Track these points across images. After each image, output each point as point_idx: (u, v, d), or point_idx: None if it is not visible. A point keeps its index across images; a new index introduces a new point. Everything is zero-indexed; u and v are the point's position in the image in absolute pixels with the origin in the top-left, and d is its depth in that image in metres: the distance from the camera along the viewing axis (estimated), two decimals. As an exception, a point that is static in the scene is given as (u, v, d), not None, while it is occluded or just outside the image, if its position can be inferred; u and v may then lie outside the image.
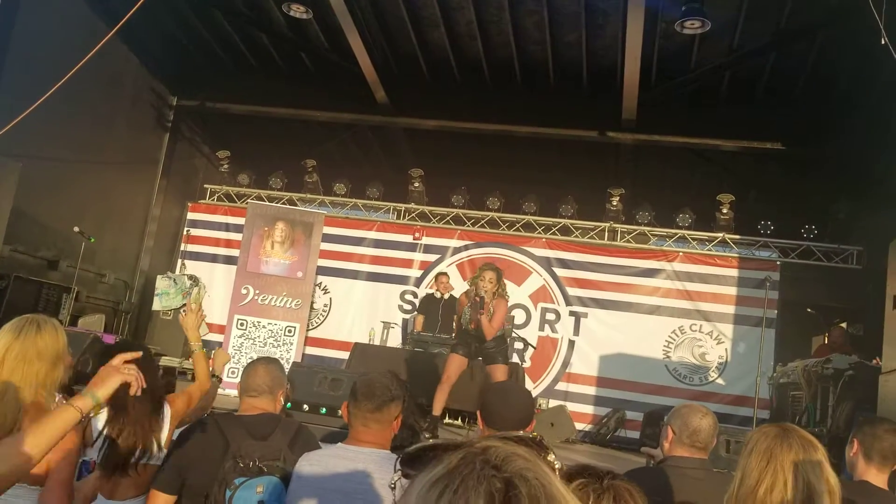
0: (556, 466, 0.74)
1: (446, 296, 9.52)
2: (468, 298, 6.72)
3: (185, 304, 10.60)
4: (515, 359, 10.22)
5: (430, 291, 10.12)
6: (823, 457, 1.89)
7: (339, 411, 5.78)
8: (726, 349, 10.05)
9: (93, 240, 9.20)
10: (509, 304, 10.56)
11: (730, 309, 10.13)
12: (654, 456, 3.54)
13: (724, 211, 10.35)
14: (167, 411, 3.09)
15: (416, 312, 10.09)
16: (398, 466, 0.81)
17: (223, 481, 2.60)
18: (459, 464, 0.70)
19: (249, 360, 3.08)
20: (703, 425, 2.79)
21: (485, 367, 7.38)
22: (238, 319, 8.82)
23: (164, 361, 9.20)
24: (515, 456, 0.72)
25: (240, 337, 8.73)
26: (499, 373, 6.74)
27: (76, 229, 8.93)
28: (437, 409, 6.75)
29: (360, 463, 2.45)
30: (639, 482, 3.06)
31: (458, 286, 9.92)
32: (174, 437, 2.92)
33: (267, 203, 10.82)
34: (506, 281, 10.67)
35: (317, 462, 2.48)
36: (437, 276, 10.08)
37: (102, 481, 2.86)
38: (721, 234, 10.53)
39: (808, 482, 1.82)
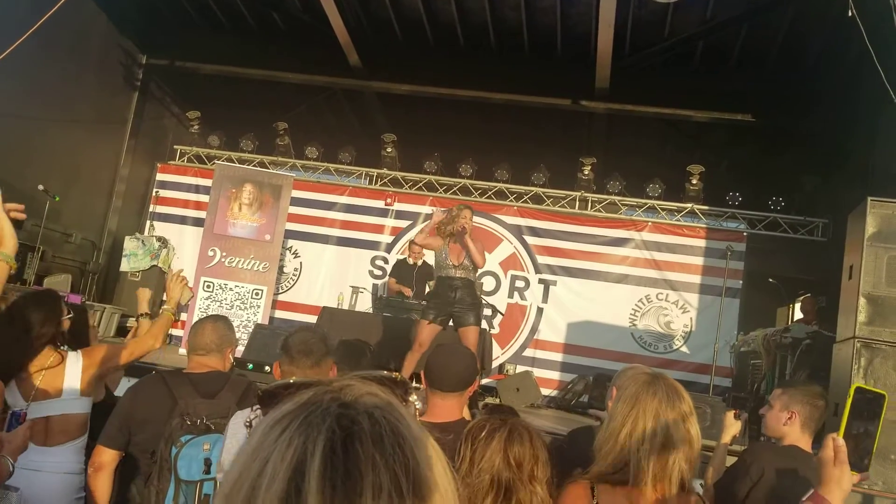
0: (417, 407, 0.74)
1: (419, 262, 9.53)
2: (443, 235, 6.53)
3: (153, 266, 10.57)
4: (484, 325, 10.32)
5: (403, 257, 10.13)
6: (688, 408, 1.93)
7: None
8: (691, 318, 10.18)
9: (57, 198, 9.09)
10: (481, 270, 10.71)
11: (696, 279, 10.25)
12: (600, 417, 3.61)
13: (694, 182, 10.42)
14: (73, 359, 3.09)
15: (388, 276, 10.11)
16: (254, 407, 0.81)
17: (169, 439, 2.62)
18: (308, 401, 0.69)
19: (198, 319, 3.08)
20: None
21: (485, 336, 7.35)
22: (205, 282, 8.78)
23: (131, 323, 9.15)
24: (368, 395, 0.71)
25: (206, 299, 8.69)
26: (470, 335, 6.57)
27: (40, 187, 8.81)
28: (405, 375, 6.76)
29: None
30: (581, 440, 3.12)
31: (430, 252, 9.96)
32: (124, 393, 2.92)
33: (234, 165, 10.71)
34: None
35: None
36: (410, 243, 10.07)
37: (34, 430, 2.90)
38: (690, 205, 10.60)
39: (667, 430, 1.87)
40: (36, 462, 2.78)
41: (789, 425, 3.40)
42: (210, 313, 8.62)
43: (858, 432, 1.77)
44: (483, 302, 9.69)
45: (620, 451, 1.85)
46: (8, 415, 2.72)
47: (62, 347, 3.17)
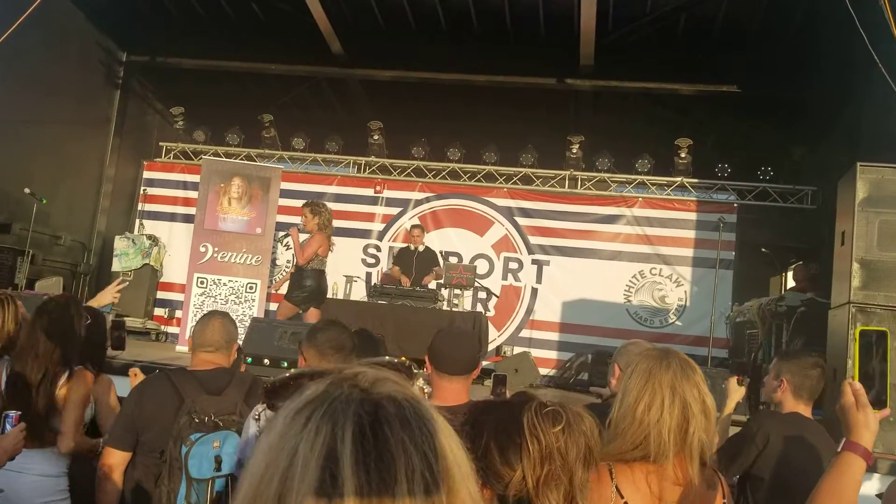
0: (426, 391, 0.74)
1: (420, 248, 9.55)
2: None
3: (145, 264, 10.51)
4: (479, 308, 10.35)
5: (405, 245, 10.13)
6: (701, 379, 1.95)
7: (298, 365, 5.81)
8: (685, 291, 10.23)
9: (44, 201, 9.00)
10: (473, 254, 10.74)
11: (688, 252, 10.29)
12: (601, 394, 3.64)
13: (683, 155, 10.43)
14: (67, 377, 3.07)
15: (391, 265, 10.13)
16: (263, 397, 0.81)
17: (178, 437, 2.61)
18: (328, 388, 0.69)
19: (202, 315, 3.06)
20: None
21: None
22: (198, 278, 8.73)
23: (127, 322, 9.11)
24: (385, 379, 0.71)
25: (200, 295, 8.65)
26: (283, 305, 7.42)
27: (26, 191, 8.72)
28: None
29: None
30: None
31: (430, 239, 9.99)
32: (129, 393, 2.90)
33: (222, 159, 10.64)
34: (468, 231, 10.90)
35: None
36: (410, 229, 10.06)
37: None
38: (679, 179, 10.63)
39: (685, 401, 1.88)
40: (17, 464, 2.76)
41: (780, 393, 3.47)
42: (205, 309, 8.60)
43: (871, 372, 1.80)
44: (478, 285, 9.77)
45: (639, 425, 1.85)
46: (1, 417, 2.71)
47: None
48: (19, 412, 2.86)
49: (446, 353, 2.59)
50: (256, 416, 0.71)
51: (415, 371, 0.82)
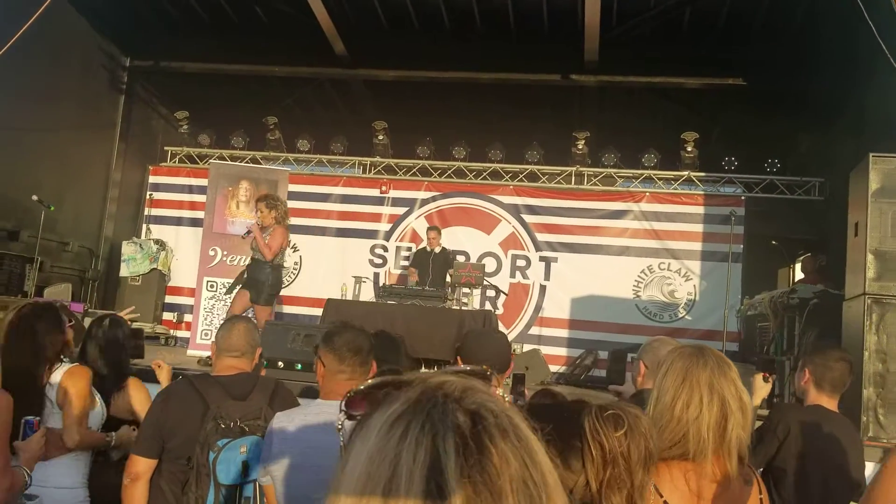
0: (507, 399, 0.74)
1: (437, 250, 9.54)
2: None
3: (153, 269, 10.52)
4: (488, 306, 10.34)
5: (423, 246, 10.12)
6: (736, 376, 1.94)
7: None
8: (694, 286, 10.21)
9: (52, 208, 9.01)
10: (481, 252, 10.73)
11: (697, 246, 10.27)
12: (620, 392, 3.63)
13: (689, 149, 10.41)
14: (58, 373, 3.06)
15: (409, 265, 10.12)
16: (343, 408, 0.80)
17: (205, 444, 2.59)
18: (419, 399, 0.69)
19: (224, 320, 3.05)
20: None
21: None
22: (208, 281, 8.74)
23: (137, 325, 9.11)
24: (474, 388, 0.71)
25: (210, 299, 8.66)
26: (239, 297, 7.36)
27: (34, 198, 8.72)
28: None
29: None
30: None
31: (446, 240, 9.98)
32: (153, 401, 2.89)
33: (229, 163, 10.64)
34: (475, 230, 10.88)
35: (298, 421, 2.46)
36: (426, 231, 10.04)
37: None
38: (686, 173, 10.61)
39: (723, 398, 1.87)
40: (36, 478, 2.75)
41: (805, 385, 3.47)
42: (215, 313, 8.62)
43: None
44: (487, 283, 9.75)
45: (677, 424, 1.84)
46: (22, 423, 2.71)
47: (64, 359, 3.15)
48: (38, 417, 2.86)
49: (480, 353, 2.59)
50: (339, 427, 0.70)
51: (494, 378, 0.81)
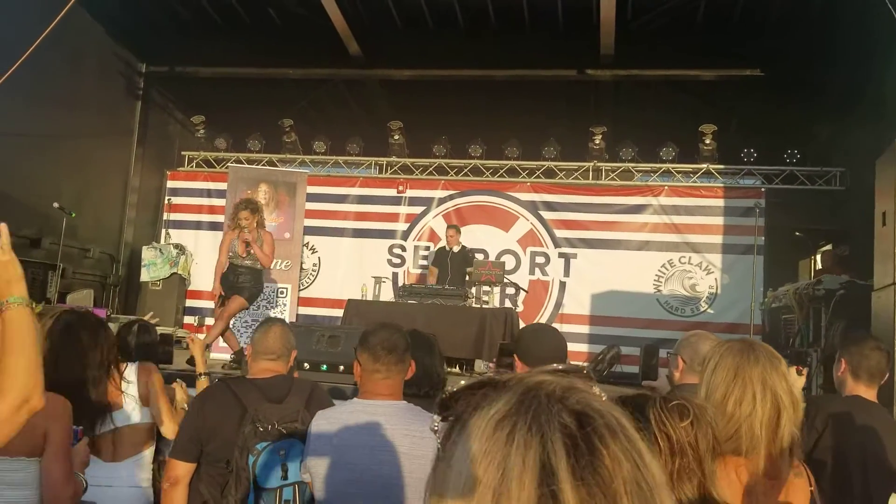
0: (604, 397, 0.72)
1: (455, 248, 9.52)
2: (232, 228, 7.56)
3: (173, 273, 10.56)
4: (508, 304, 10.31)
5: (441, 245, 10.11)
6: (786, 370, 1.92)
7: (342, 367, 5.79)
8: (716, 279, 10.14)
9: (73, 215, 9.06)
10: (499, 250, 10.71)
11: (717, 239, 10.20)
12: (655, 388, 3.60)
13: (707, 142, 10.34)
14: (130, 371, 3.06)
15: (430, 265, 10.14)
16: (437, 408, 0.78)
17: (244, 447, 2.59)
18: (522, 399, 0.67)
19: (260, 322, 3.05)
20: (710, 351, 2.82)
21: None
22: (229, 285, 8.76)
23: (160, 330, 9.15)
24: (575, 388, 0.69)
25: (232, 302, 8.68)
26: (233, 301, 7.41)
27: (56, 205, 8.77)
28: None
29: (381, 416, 2.45)
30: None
31: (466, 238, 9.97)
32: (191, 404, 2.90)
33: (248, 166, 10.67)
34: (493, 227, 10.86)
35: (336, 420, 2.47)
36: (446, 230, 10.02)
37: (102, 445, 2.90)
38: (705, 165, 10.54)
39: (775, 393, 1.84)
40: (107, 478, 2.78)
41: (842, 375, 3.44)
42: (237, 316, 8.63)
43: None
44: (507, 281, 9.71)
45: (729, 420, 1.82)
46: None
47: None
48: (81, 427, 2.87)
49: (539, 350, 2.59)
50: (434, 428, 0.69)
51: (591, 376, 0.79)
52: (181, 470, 2.71)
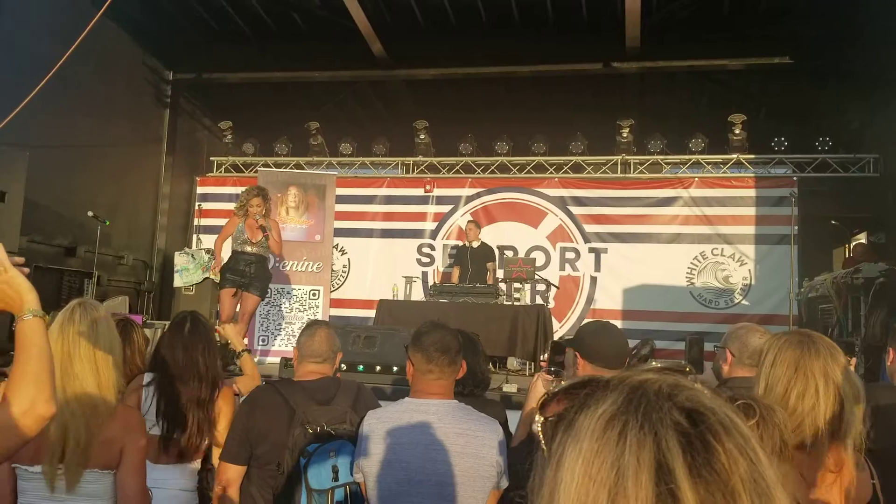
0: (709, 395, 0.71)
1: (475, 244, 9.50)
2: (238, 215, 7.32)
3: (206, 278, 10.65)
4: (539, 300, 10.26)
5: (460, 242, 10.11)
6: (845, 361, 1.89)
7: (378, 368, 5.81)
8: (749, 270, 10.03)
9: (108, 223, 9.18)
10: (529, 246, 10.67)
11: (750, 230, 10.09)
12: (705, 382, 3.55)
13: (737, 132, 10.23)
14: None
15: (450, 265, 10.13)
16: (539, 409, 0.78)
17: (295, 449, 2.60)
18: (630, 397, 0.67)
19: (305, 325, 3.06)
20: (762, 344, 2.78)
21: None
22: (262, 288, 8.83)
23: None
24: (682, 385, 0.69)
25: (265, 305, 8.74)
26: (249, 301, 7.24)
27: (90, 214, 8.89)
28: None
29: (433, 415, 2.45)
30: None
31: (486, 234, 9.95)
32: (239, 407, 2.92)
33: (277, 170, 10.74)
34: (522, 224, 10.82)
35: (387, 419, 2.48)
36: (466, 223, 9.99)
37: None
38: (735, 156, 10.42)
39: (838, 386, 1.81)
40: (153, 479, 2.81)
41: (889, 363, 3.38)
42: (270, 319, 8.70)
43: None
44: (537, 277, 9.67)
45: (791, 414, 1.79)
46: None
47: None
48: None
49: (606, 346, 2.58)
50: (538, 428, 0.69)
51: (691, 373, 0.78)
52: (232, 473, 2.73)
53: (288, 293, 8.84)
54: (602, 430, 0.65)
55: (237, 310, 7.28)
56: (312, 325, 3.01)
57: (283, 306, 8.79)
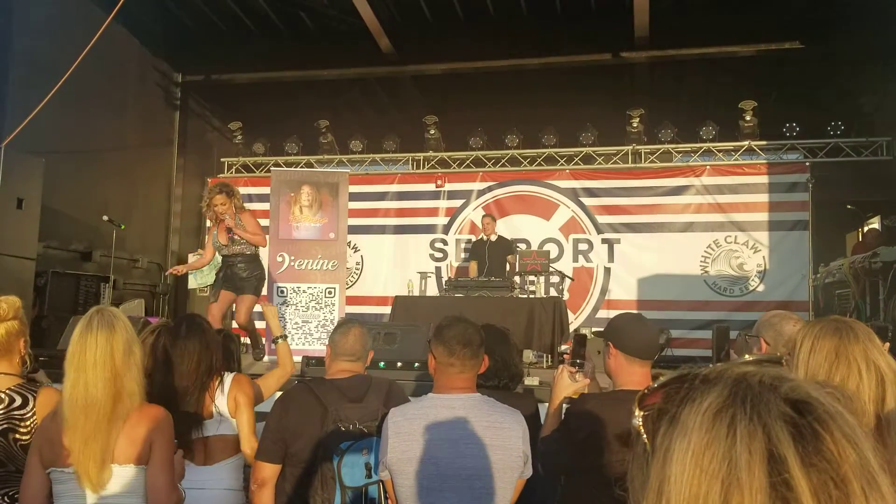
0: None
1: (493, 238, 9.50)
2: (210, 218, 7.14)
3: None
4: (553, 293, 10.26)
5: (477, 237, 10.10)
6: (880, 344, 1.88)
7: (399, 364, 5.83)
8: (763, 257, 9.99)
9: (123, 227, 9.23)
10: (541, 239, 10.66)
11: (763, 216, 10.04)
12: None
13: (748, 118, 10.19)
14: (227, 385, 3.11)
15: (468, 260, 10.13)
16: (637, 404, 0.79)
17: (328, 447, 2.62)
18: (735, 390, 0.68)
19: (338, 324, 3.08)
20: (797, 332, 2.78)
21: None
22: (278, 287, 8.84)
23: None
24: (784, 377, 0.70)
25: (282, 304, 8.75)
26: (245, 302, 7.09)
27: (105, 218, 8.94)
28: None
29: (459, 409, 2.46)
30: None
31: (502, 228, 9.94)
32: (273, 406, 2.93)
33: (290, 169, 10.76)
34: (534, 217, 10.81)
35: (413, 415, 2.48)
36: (482, 218, 9.97)
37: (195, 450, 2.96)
38: (747, 142, 10.38)
39: (879, 368, 1.81)
40: (200, 481, 2.84)
41: None
42: (287, 318, 8.73)
43: None
44: (552, 269, 9.67)
45: None
46: None
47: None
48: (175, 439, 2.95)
49: (638, 336, 2.60)
50: (638, 425, 0.70)
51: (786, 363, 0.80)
52: (267, 472, 2.76)
53: (304, 291, 8.86)
54: (710, 423, 0.67)
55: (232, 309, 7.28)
56: (346, 323, 3.03)
57: (299, 305, 8.81)
